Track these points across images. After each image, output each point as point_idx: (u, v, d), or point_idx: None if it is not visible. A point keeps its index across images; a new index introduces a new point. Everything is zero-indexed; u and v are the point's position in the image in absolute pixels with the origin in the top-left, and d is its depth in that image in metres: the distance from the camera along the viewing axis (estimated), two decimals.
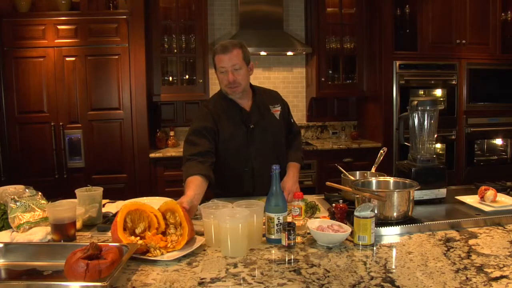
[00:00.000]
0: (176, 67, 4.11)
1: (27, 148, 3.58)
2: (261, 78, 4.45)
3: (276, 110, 2.25)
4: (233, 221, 1.41)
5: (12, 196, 1.66)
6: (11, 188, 1.81)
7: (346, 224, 1.59)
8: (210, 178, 1.89)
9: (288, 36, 4.21)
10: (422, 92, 4.20)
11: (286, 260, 1.39)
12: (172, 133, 4.16)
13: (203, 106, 2.19)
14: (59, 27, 3.54)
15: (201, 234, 1.57)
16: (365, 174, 2.10)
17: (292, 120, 2.37)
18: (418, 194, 1.89)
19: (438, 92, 4.25)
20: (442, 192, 1.97)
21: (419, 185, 1.71)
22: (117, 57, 3.61)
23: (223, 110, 2.12)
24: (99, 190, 1.80)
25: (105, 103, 3.64)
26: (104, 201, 2.01)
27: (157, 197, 2.08)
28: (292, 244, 1.48)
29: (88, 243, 1.24)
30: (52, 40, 3.53)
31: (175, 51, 4.03)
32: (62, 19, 3.56)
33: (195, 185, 1.79)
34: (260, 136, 2.15)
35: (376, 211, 1.62)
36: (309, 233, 1.58)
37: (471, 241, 1.52)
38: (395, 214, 1.64)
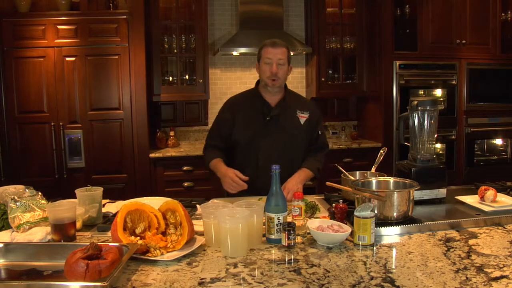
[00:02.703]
0: (176, 67, 4.11)
1: (27, 148, 3.57)
2: None
3: (303, 116, 2.28)
4: (233, 221, 1.41)
5: (12, 196, 1.66)
6: (11, 188, 1.81)
7: (346, 224, 1.59)
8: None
9: (288, 36, 4.20)
10: (422, 92, 4.20)
11: (286, 260, 1.39)
12: (172, 133, 4.15)
13: (231, 97, 2.39)
14: (59, 27, 3.53)
15: (201, 234, 1.57)
16: (365, 174, 2.10)
17: (320, 132, 2.37)
18: (418, 194, 1.89)
19: (438, 92, 4.25)
20: (442, 192, 1.97)
21: (419, 185, 1.71)
22: (117, 57, 3.61)
23: (246, 100, 2.27)
24: (99, 190, 1.80)
25: (105, 103, 3.64)
26: (104, 201, 2.01)
27: (157, 197, 2.08)
28: (292, 244, 1.48)
29: (88, 243, 1.24)
30: (52, 40, 3.53)
31: (175, 51, 4.03)
32: (62, 19, 3.55)
33: (223, 162, 2.19)
34: (274, 131, 2.20)
35: (376, 211, 1.62)
36: (309, 233, 1.58)
37: (471, 241, 1.52)
38: (395, 214, 1.64)
